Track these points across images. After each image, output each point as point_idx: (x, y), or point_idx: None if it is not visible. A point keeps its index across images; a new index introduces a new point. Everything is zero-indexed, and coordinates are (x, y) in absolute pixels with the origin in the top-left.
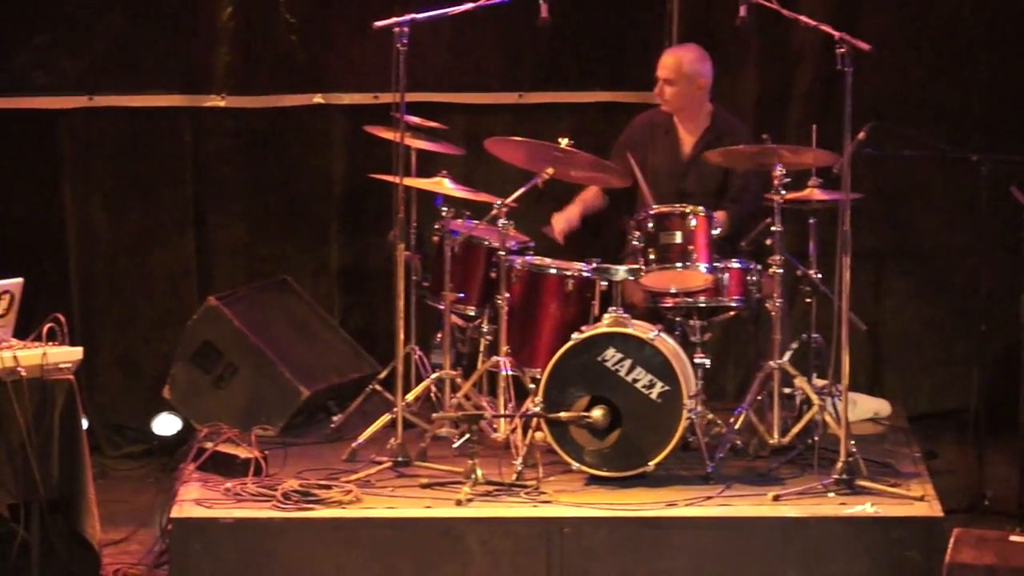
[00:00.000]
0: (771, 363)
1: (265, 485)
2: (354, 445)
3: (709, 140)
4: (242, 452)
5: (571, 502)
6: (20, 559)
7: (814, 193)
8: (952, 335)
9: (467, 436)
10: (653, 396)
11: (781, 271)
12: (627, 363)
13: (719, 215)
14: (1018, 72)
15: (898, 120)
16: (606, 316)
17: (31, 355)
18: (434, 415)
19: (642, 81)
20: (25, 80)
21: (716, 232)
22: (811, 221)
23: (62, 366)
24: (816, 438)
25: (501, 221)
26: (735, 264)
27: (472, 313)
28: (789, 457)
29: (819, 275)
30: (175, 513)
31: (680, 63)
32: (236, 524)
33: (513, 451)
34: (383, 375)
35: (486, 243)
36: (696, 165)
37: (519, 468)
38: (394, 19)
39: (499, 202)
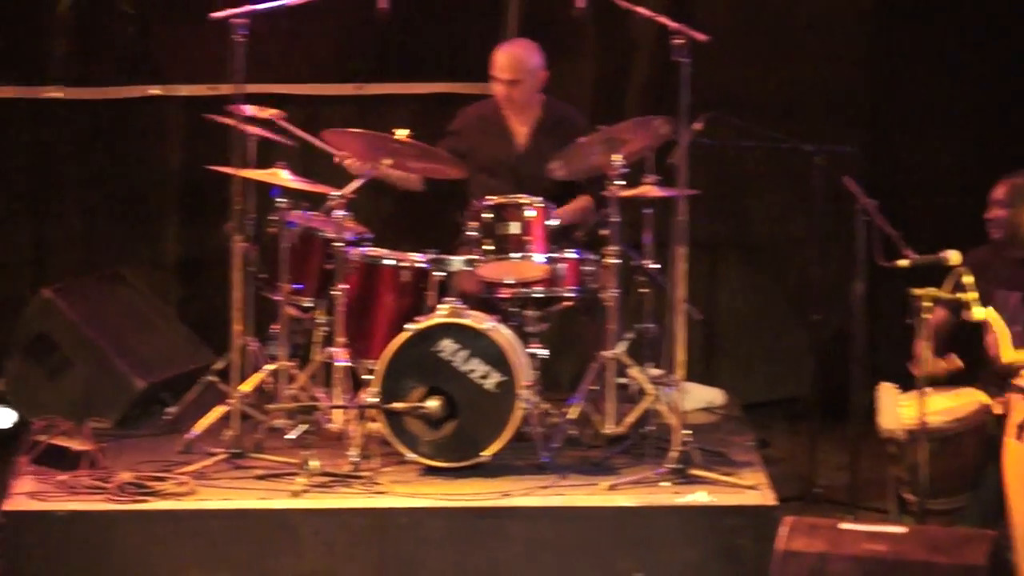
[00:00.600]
0: (606, 353)
1: (99, 478)
2: (189, 437)
3: (544, 130)
4: (76, 445)
5: (406, 493)
6: None
7: (650, 190)
8: (785, 325)
9: (303, 427)
10: (489, 387)
11: (617, 261)
12: (463, 354)
13: (581, 203)
14: (850, 64)
15: (733, 111)
16: (442, 307)
17: None
18: (270, 406)
19: (480, 72)
20: None
21: (553, 223)
22: (646, 211)
23: None
24: (650, 427)
25: (338, 212)
26: (571, 254)
27: (308, 304)
28: (623, 447)
29: (655, 265)
30: (8, 506)
31: (522, 61)
32: (70, 517)
33: (348, 442)
34: (219, 366)
35: (322, 234)
36: (532, 156)
37: (354, 459)
38: (231, 10)
39: (336, 193)
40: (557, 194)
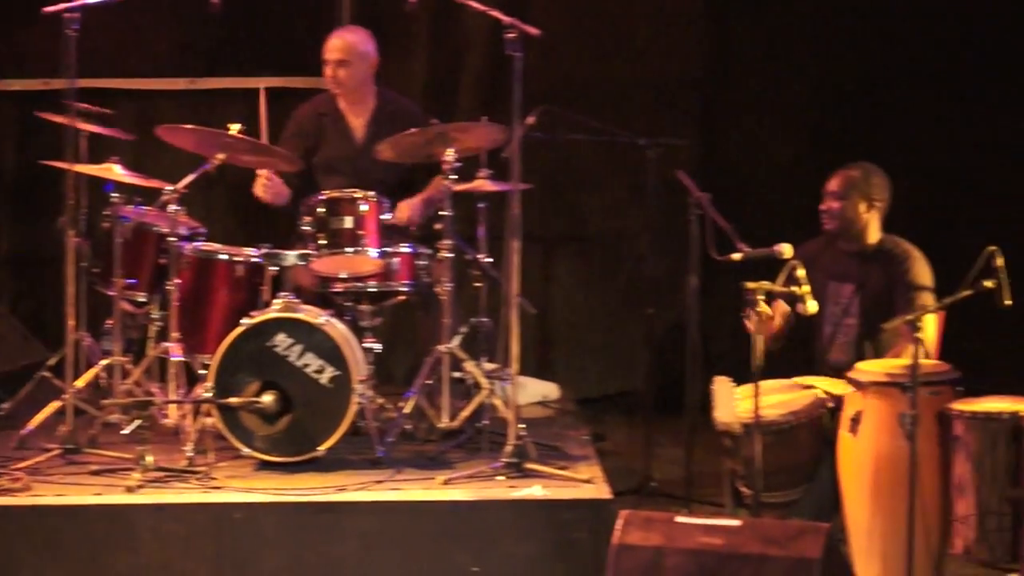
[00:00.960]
0: (441, 347)
1: None
2: (23, 433)
3: (380, 121)
4: None
5: (241, 488)
6: None
7: (484, 184)
8: (620, 318)
9: (137, 422)
10: (323, 381)
11: (451, 255)
12: (297, 348)
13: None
14: (683, 58)
15: (567, 105)
16: (276, 302)
17: None
18: (104, 402)
19: (314, 67)
20: None
21: (386, 217)
22: (480, 206)
23: None
24: (485, 422)
25: (171, 207)
26: (405, 249)
27: (142, 299)
28: (459, 441)
29: (488, 259)
30: None
31: (352, 43)
32: None
33: (184, 437)
34: (53, 362)
35: (156, 229)
36: (371, 150)
37: (189, 454)
38: (64, 4)
39: (169, 188)
40: (397, 186)
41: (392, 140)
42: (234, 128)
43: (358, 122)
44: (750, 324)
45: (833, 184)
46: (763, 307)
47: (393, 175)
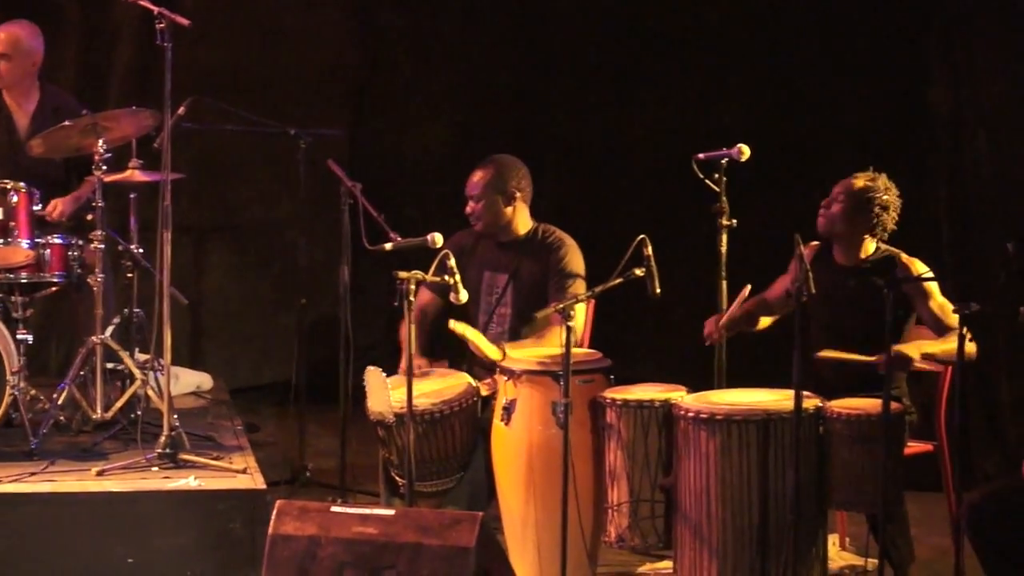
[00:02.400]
0: (94, 338)
1: None
2: None
3: (44, 116)
4: None
5: None
6: None
7: (135, 175)
8: (272, 308)
9: None
10: None
11: (102, 246)
12: None
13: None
14: (334, 48)
15: (218, 95)
16: None
17: None
18: None
19: None
20: None
21: (38, 208)
22: (132, 196)
23: None
24: (139, 412)
25: None
26: (56, 240)
27: None
28: (113, 432)
29: (140, 250)
30: None
31: (18, 39)
32: None
33: None
34: None
35: None
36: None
37: None
38: None
39: None
40: (61, 180)
41: (44, 135)
42: None
43: (23, 117)
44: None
45: (470, 185)
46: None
47: (54, 172)
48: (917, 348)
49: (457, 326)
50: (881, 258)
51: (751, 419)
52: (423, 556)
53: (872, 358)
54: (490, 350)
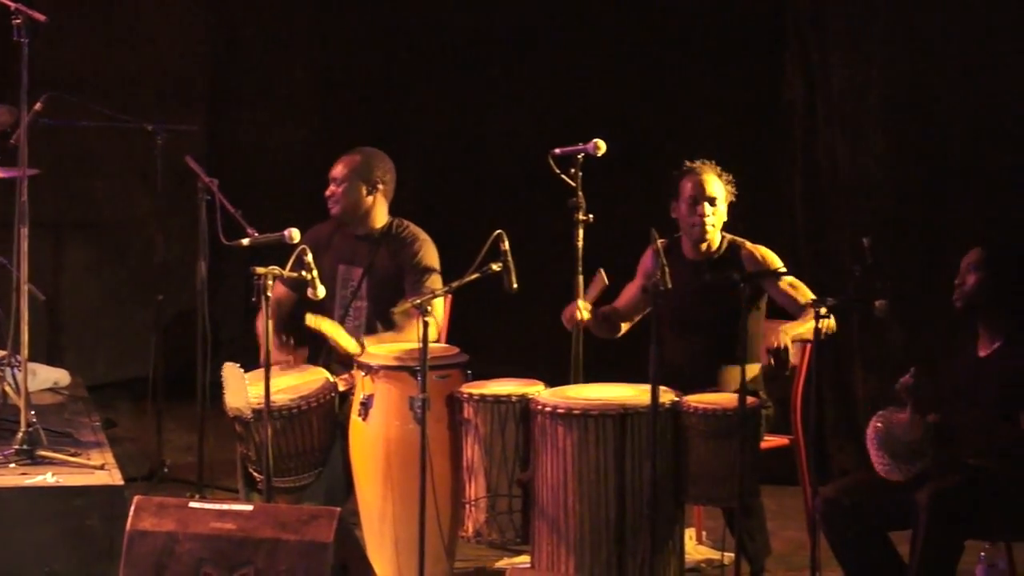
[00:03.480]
0: None
1: None
2: None
3: None
4: None
5: None
6: None
7: None
8: (130, 304)
9: None
10: None
11: None
12: None
13: None
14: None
15: (76, 90)
16: None
17: None
18: None
19: None
20: None
21: None
22: None
23: None
24: None
25: None
26: None
27: None
28: None
29: None
30: None
31: None
32: None
33: None
34: None
35: None
36: None
37: None
38: None
39: None
40: None
41: None
42: None
43: None
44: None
45: (335, 170)
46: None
47: None
48: (784, 333)
49: (313, 320)
50: (727, 249)
51: (608, 414)
52: (281, 551)
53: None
54: (348, 343)
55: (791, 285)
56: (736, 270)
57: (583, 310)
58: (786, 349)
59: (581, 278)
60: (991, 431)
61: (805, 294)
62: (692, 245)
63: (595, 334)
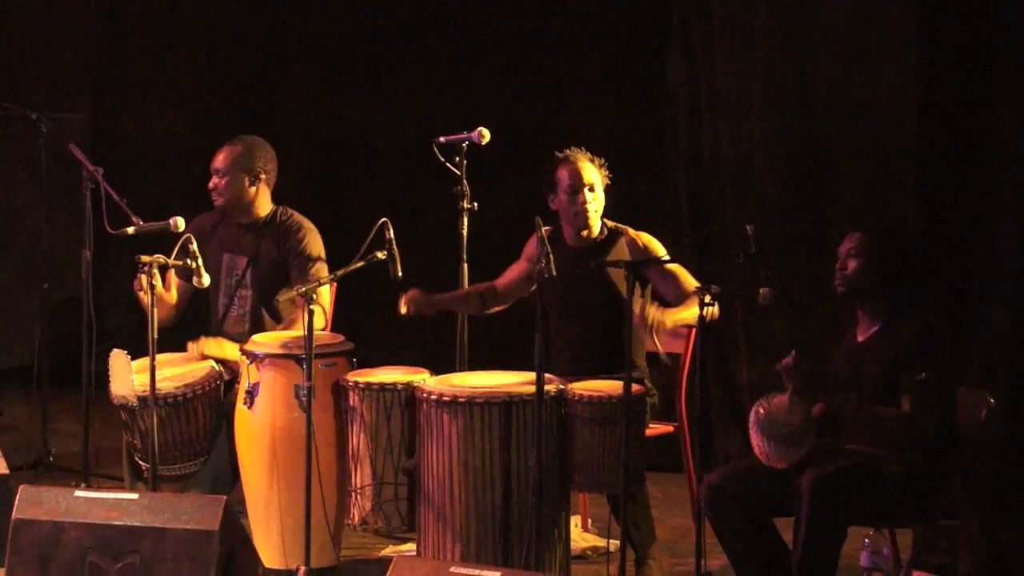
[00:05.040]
0: None
1: None
2: None
3: None
4: None
5: None
6: None
7: None
8: (15, 293)
9: None
10: None
11: None
12: None
13: None
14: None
15: None
16: None
17: None
18: None
19: None
20: None
21: None
22: None
23: None
24: None
25: None
26: None
27: None
28: None
29: None
30: None
31: None
32: None
33: None
34: None
35: None
36: None
37: None
38: None
39: None
40: None
41: None
42: None
43: None
44: (144, 297)
45: (217, 161)
46: (157, 280)
47: None
48: (670, 318)
49: (195, 347)
50: (609, 235)
51: (493, 401)
52: (167, 540)
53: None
54: (233, 353)
55: (674, 272)
56: (621, 258)
57: (415, 302)
58: (660, 325)
59: (466, 266)
60: (873, 416)
61: (688, 281)
62: (574, 233)
63: (457, 311)
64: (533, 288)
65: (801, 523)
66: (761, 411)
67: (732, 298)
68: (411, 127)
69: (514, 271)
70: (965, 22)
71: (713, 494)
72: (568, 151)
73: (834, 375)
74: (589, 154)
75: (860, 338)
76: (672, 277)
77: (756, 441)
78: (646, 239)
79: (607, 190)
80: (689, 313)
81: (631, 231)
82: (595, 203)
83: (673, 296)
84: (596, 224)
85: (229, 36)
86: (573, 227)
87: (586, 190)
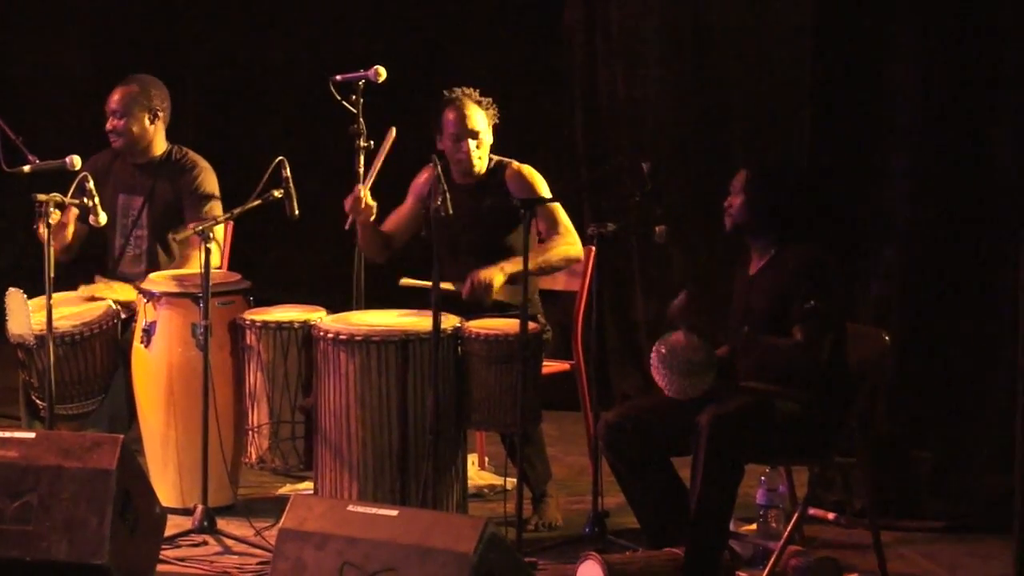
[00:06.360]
0: None
1: None
2: None
3: None
4: None
5: None
6: None
7: None
8: None
9: None
10: None
11: None
12: None
13: None
14: None
15: None
16: None
17: None
18: None
19: None
20: None
21: None
22: None
23: None
24: None
25: None
26: None
27: None
28: None
29: None
30: None
31: None
32: None
33: None
34: None
35: None
36: None
37: None
38: None
39: None
40: None
41: None
42: None
43: None
44: (41, 234)
45: (112, 101)
46: (54, 217)
47: None
48: (500, 270)
49: (87, 290)
50: (492, 170)
51: (390, 340)
52: (64, 479)
53: (452, 286)
54: (126, 293)
55: (550, 210)
56: (512, 195)
57: (366, 195)
58: (489, 287)
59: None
60: (765, 346)
61: (561, 221)
62: (459, 173)
63: (363, 249)
64: (422, 231)
65: (699, 461)
66: (663, 349)
67: (628, 236)
68: (307, 65)
69: (401, 212)
70: None
71: (610, 432)
72: (457, 92)
73: (732, 311)
74: (477, 94)
75: (751, 272)
76: (547, 214)
77: (659, 375)
78: (528, 171)
79: (496, 129)
80: (528, 262)
81: (514, 164)
82: (479, 150)
83: (544, 231)
84: (480, 167)
85: None
86: (458, 170)
87: (469, 139)
